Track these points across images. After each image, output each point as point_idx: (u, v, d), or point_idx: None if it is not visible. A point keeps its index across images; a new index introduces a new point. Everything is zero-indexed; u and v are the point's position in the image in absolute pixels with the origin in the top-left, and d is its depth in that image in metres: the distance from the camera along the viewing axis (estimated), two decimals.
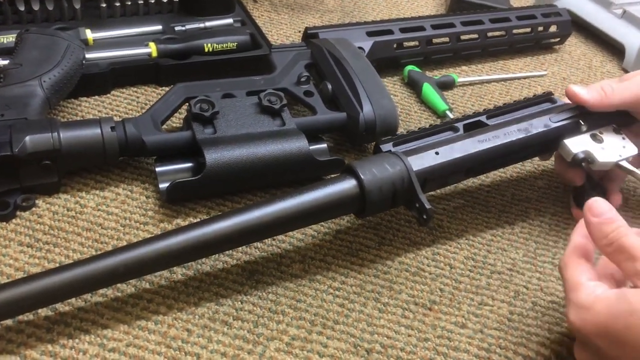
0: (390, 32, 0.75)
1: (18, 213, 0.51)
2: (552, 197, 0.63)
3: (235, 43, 0.71)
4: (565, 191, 0.63)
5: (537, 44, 0.87)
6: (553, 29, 0.87)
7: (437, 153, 0.52)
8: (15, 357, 0.42)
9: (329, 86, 0.63)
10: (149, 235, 0.51)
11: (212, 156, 0.53)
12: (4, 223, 0.50)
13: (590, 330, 0.41)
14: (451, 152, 0.52)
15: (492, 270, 0.54)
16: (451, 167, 0.52)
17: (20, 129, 0.51)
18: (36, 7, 0.68)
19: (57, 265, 0.48)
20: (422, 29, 0.77)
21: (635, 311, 0.39)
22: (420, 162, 0.51)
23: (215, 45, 0.70)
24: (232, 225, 0.45)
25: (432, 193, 0.60)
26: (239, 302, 0.48)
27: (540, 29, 0.86)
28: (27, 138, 0.50)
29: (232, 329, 0.46)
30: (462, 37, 0.81)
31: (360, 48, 0.71)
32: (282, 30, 0.83)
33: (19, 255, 0.48)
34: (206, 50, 0.69)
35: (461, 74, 0.79)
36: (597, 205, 0.44)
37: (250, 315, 0.47)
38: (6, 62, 0.61)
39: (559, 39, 0.88)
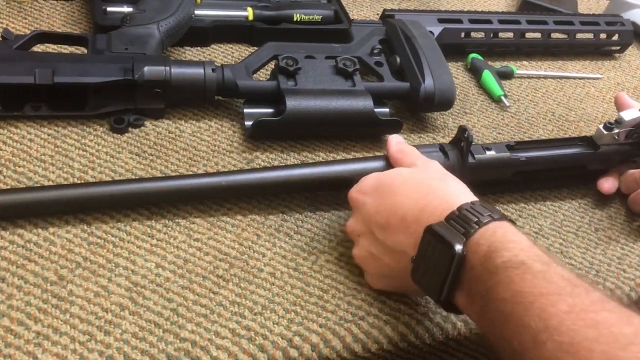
0: (459, 21, 0.83)
1: (130, 129, 0.63)
2: (586, 184, 0.70)
3: (321, 16, 0.80)
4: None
5: (597, 49, 0.93)
6: (615, 37, 0.93)
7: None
8: (122, 232, 0.53)
9: (398, 59, 0.72)
10: (233, 162, 0.62)
11: (292, 103, 0.63)
12: (119, 135, 0.62)
13: (364, 189, 0.52)
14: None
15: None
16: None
17: (141, 61, 0.62)
18: None
19: (159, 172, 0.59)
20: (489, 22, 0.85)
21: (401, 172, 0.52)
22: None
23: (303, 16, 0.80)
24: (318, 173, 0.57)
25: None
26: (300, 221, 0.57)
27: (603, 36, 0.92)
28: (146, 68, 0.61)
29: (292, 239, 0.56)
30: (526, 35, 0.88)
31: (430, 32, 0.79)
32: (362, 11, 0.92)
33: (129, 161, 0.59)
34: (295, 19, 0.79)
35: (521, 67, 0.86)
36: (395, 138, 0.57)
37: (308, 232, 0.57)
38: (130, 9, 0.73)
39: (619, 47, 0.94)
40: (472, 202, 0.46)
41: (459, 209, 0.45)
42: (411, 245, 0.47)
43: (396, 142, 0.57)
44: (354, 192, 0.53)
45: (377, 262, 0.51)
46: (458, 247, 0.42)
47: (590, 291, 0.38)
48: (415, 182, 0.50)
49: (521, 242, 0.42)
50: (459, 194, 0.49)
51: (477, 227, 0.43)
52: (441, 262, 0.43)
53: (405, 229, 0.48)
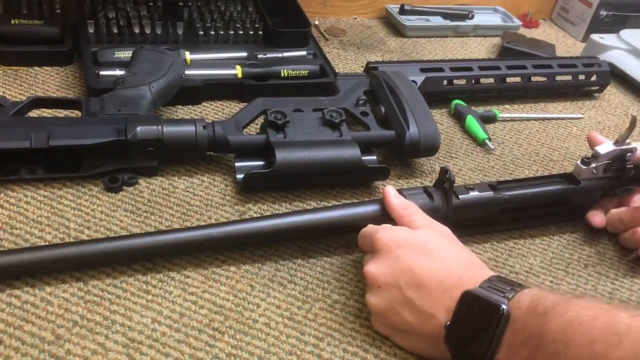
0: (441, 69, 0.86)
1: (124, 187, 0.64)
2: (573, 220, 0.71)
3: (307, 71, 0.84)
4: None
5: (577, 90, 0.96)
6: (593, 78, 0.96)
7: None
8: (118, 289, 0.54)
9: (382, 109, 0.74)
10: (226, 214, 0.63)
11: (282, 155, 0.65)
12: (113, 193, 0.63)
13: (398, 240, 0.52)
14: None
15: (510, 271, 0.63)
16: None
17: (133, 121, 0.64)
18: (148, 31, 0.83)
19: (153, 228, 0.60)
20: (470, 69, 0.88)
21: (433, 235, 0.53)
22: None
23: (290, 71, 0.83)
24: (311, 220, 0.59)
25: None
26: (293, 270, 0.58)
27: (581, 77, 0.95)
28: (138, 128, 0.63)
29: (287, 289, 0.56)
30: (507, 80, 0.91)
31: (413, 81, 0.82)
32: (347, 64, 0.96)
33: (123, 219, 0.61)
34: (282, 75, 0.82)
35: (503, 111, 0.89)
36: (393, 192, 0.59)
37: (302, 280, 0.57)
38: (122, 72, 0.75)
39: (598, 87, 0.97)
40: (498, 275, 0.50)
41: (490, 278, 0.49)
42: (442, 310, 0.48)
43: (397, 198, 0.58)
44: (386, 240, 0.53)
45: (396, 317, 0.51)
46: (504, 307, 0.45)
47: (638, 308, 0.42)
48: (450, 249, 0.53)
49: (560, 291, 0.46)
50: (484, 265, 0.53)
51: (515, 291, 0.47)
52: (485, 323, 0.45)
53: (441, 293, 0.49)
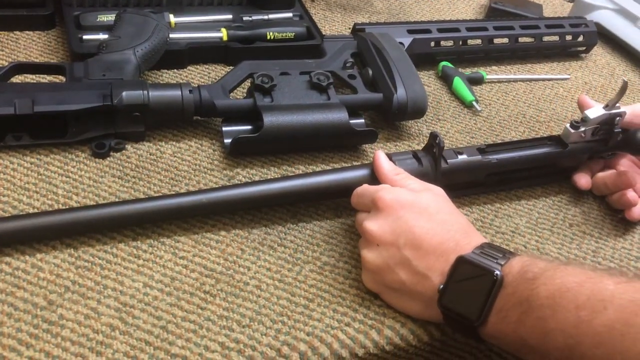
0: (428, 31, 0.85)
1: (111, 153, 0.64)
2: (559, 181, 0.72)
3: (293, 33, 0.83)
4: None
5: (564, 51, 0.96)
6: (580, 38, 0.96)
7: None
8: (109, 255, 0.54)
9: (370, 72, 0.74)
10: (214, 179, 0.63)
11: (269, 119, 0.64)
12: (101, 159, 0.63)
13: (402, 200, 0.53)
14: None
15: (497, 231, 0.64)
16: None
17: (118, 86, 0.63)
18: None
19: (142, 194, 0.60)
20: (457, 30, 0.87)
21: (432, 199, 0.54)
22: None
23: (276, 34, 0.82)
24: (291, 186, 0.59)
25: None
26: (283, 234, 0.59)
27: (569, 37, 0.95)
28: (124, 93, 0.62)
29: (277, 252, 0.57)
30: (494, 41, 0.90)
31: (400, 43, 0.81)
32: (334, 26, 0.95)
33: (112, 184, 0.61)
34: (268, 37, 0.81)
35: (490, 72, 0.89)
36: (383, 157, 0.59)
37: (292, 243, 0.58)
38: (106, 36, 0.74)
39: (585, 47, 0.97)
40: (490, 242, 0.51)
41: (483, 245, 0.50)
42: (437, 272, 0.49)
43: (388, 163, 0.58)
44: (389, 200, 0.53)
45: (390, 275, 0.52)
46: (497, 273, 0.46)
47: (624, 274, 0.44)
48: (449, 214, 0.53)
49: (549, 258, 0.47)
50: (477, 231, 0.54)
51: (507, 258, 0.48)
52: (478, 287, 0.47)
53: (438, 256, 0.50)
